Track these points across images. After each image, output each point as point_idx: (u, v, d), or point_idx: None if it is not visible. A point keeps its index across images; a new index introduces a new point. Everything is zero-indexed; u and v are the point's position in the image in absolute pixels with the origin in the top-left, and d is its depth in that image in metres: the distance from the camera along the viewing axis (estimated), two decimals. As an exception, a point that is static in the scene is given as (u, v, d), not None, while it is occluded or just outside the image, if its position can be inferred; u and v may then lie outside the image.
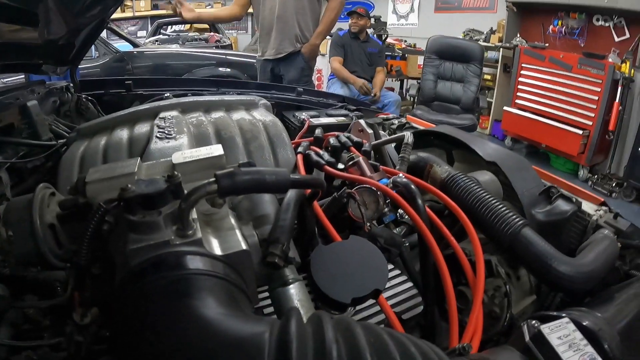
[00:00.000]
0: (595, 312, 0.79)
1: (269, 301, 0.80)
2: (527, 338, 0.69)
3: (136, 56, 5.36)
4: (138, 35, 11.13)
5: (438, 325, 1.01)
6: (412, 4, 9.30)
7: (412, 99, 5.92)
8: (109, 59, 5.21)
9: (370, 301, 0.84)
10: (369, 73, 5.09)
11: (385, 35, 6.98)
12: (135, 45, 6.12)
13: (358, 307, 0.89)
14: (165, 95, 1.98)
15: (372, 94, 4.78)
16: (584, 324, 0.73)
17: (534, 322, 0.70)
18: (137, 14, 11.90)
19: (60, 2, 1.41)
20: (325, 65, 6.11)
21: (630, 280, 1.05)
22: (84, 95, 2.05)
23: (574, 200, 1.27)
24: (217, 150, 0.83)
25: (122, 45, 5.85)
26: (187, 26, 11.30)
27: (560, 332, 0.69)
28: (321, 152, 1.23)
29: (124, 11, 11.05)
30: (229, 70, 5.26)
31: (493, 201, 1.07)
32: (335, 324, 0.52)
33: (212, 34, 9.04)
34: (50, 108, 1.86)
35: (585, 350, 0.67)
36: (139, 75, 5.10)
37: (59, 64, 1.95)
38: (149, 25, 11.09)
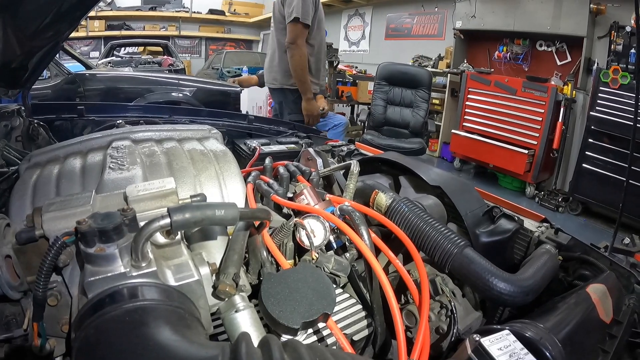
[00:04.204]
0: (537, 323, 0.83)
1: (223, 327, 0.82)
2: (469, 351, 0.72)
3: (88, 78, 5.23)
4: (91, 55, 10.95)
5: (388, 344, 1.04)
6: (364, 31, 9.54)
7: (362, 124, 6.02)
8: (61, 81, 5.06)
9: (323, 325, 0.87)
10: None
11: (337, 62, 7.12)
12: (87, 66, 5.99)
13: (310, 331, 0.91)
14: (118, 122, 1.96)
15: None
16: (526, 334, 0.77)
17: (475, 336, 0.73)
18: (90, 34, 11.71)
19: (14, 24, 1.39)
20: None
21: (572, 290, 1.09)
22: (35, 120, 2.00)
23: (516, 218, 1.33)
24: (169, 183, 0.85)
25: (74, 66, 5.71)
26: (141, 48, 11.18)
27: (500, 344, 0.72)
28: (270, 181, 1.26)
29: (77, 31, 10.86)
30: (181, 95, 5.22)
31: (436, 224, 1.10)
32: (283, 346, 0.55)
33: (165, 57, 8.93)
34: (1, 133, 1.81)
35: (525, 359, 0.71)
36: (90, 98, 4.97)
37: (11, 87, 1.90)
38: (102, 46, 10.91)
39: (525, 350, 0.73)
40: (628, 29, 4.63)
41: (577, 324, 0.90)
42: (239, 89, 5.39)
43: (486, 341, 0.72)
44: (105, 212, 0.68)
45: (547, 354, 0.75)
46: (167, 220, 0.67)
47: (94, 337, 0.58)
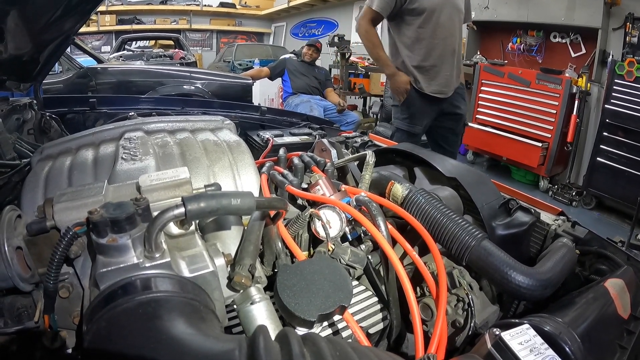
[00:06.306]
0: (555, 317, 0.82)
1: (238, 320, 0.81)
2: (489, 345, 0.71)
3: (100, 72, 5.24)
4: (102, 50, 11.01)
5: (402, 337, 1.03)
6: (377, 22, 9.46)
7: (374, 116, 5.96)
8: (73, 75, 5.08)
9: (338, 317, 0.86)
10: (316, 94, 5.58)
11: (349, 54, 7.09)
12: (99, 60, 6.00)
13: (325, 323, 0.90)
14: (130, 114, 1.96)
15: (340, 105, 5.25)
16: (545, 329, 0.76)
17: (495, 329, 0.72)
18: (101, 28, 11.79)
19: (25, 17, 1.39)
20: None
21: (589, 284, 1.07)
22: (47, 113, 2.01)
23: (533, 211, 1.30)
24: (183, 172, 0.84)
25: (85, 60, 5.72)
26: (152, 42, 11.23)
27: (521, 338, 0.71)
28: (285, 171, 1.25)
29: (88, 26, 10.95)
30: (193, 88, 5.21)
31: (453, 216, 1.09)
32: (302, 340, 0.53)
33: (176, 50, 8.96)
34: (13, 126, 1.82)
35: (545, 354, 0.69)
36: (102, 91, 4.99)
37: (23, 81, 1.92)
38: (114, 41, 10.97)
39: (546, 345, 0.72)
40: (643, 20, 4.54)
41: (596, 319, 0.89)
42: (250, 81, 5.43)
43: (506, 335, 0.71)
44: (118, 202, 0.67)
45: (567, 349, 0.74)
46: (182, 210, 0.66)
47: (105, 330, 0.56)
